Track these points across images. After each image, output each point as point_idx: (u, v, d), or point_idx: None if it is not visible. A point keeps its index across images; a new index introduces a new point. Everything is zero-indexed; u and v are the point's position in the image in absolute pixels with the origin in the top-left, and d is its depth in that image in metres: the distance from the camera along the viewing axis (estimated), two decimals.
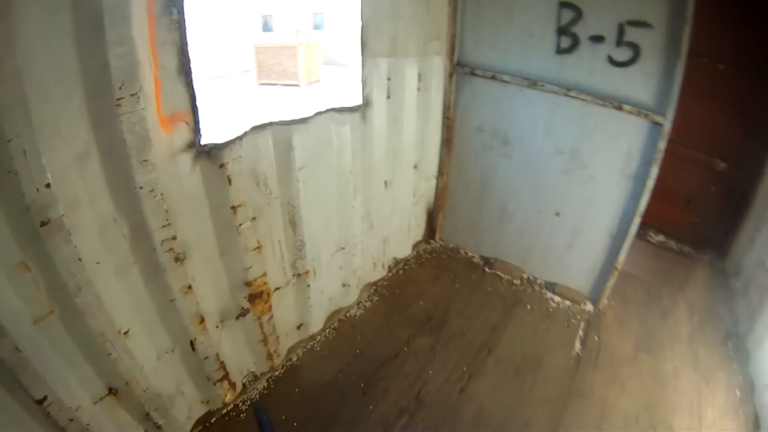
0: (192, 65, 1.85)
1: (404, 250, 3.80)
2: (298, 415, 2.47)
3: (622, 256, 3.17)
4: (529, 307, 3.39)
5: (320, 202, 2.69)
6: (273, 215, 2.43)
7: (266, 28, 18.18)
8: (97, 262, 1.72)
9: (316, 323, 2.98)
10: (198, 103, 1.92)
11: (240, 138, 2.11)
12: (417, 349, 2.94)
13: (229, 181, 2.10)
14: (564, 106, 3.08)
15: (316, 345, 2.95)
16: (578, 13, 2.86)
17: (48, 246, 1.55)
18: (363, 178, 2.98)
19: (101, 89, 1.58)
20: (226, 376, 2.43)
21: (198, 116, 1.93)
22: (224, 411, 2.46)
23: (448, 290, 3.49)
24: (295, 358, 2.84)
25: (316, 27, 18.41)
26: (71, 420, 1.73)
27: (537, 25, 3.01)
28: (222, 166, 2.05)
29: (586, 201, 3.22)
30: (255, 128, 2.20)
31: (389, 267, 3.63)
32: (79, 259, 1.64)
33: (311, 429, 2.42)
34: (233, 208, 2.16)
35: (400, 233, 3.66)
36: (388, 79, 2.95)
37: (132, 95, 1.64)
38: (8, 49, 1.33)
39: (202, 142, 1.97)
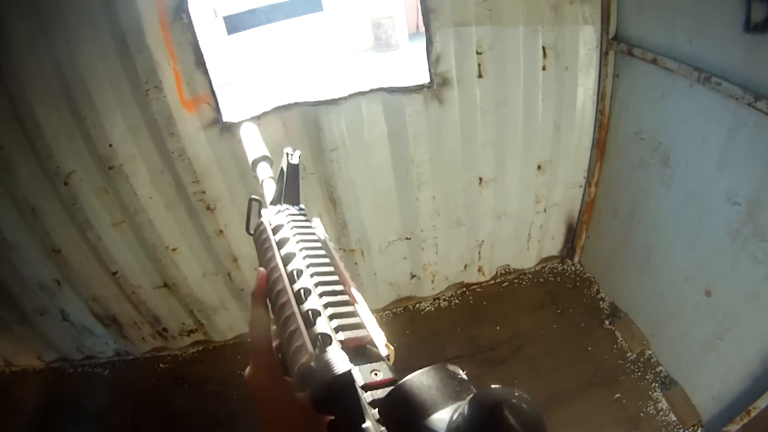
0: (206, 58, 2.29)
1: (524, 262, 3.10)
2: None
3: (764, 401, 1.66)
4: (619, 396, 2.26)
5: (368, 187, 2.65)
6: (309, 189, 2.62)
7: None
8: (150, 197, 2.54)
9: (373, 301, 3.00)
10: (216, 88, 2.36)
11: (258, 117, 2.42)
12: None
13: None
14: (750, 125, 1.72)
15: None
16: None
17: (115, 182, 2.47)
18: (434, 169, 2.63)
19: (136, 83, 2.25)
20: None
21: (217, 98, 2.38)
22: None
23: (541, 326, 2.71)
24: None
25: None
26: (133, 292, 2.76)
27: None
28: (240, 141, 2.45)
29: (753, 292, 1.84)
30: (279, 108, 2.43)
31: (494, 273, 3.08)
32: (135, 194, 2.51)
33: None
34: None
35: (515, 241, 2.99)
36: (479, 53, 2.38)
37: (155, 87, 2.26)
38: (72, 63, 2.16)
39: (224, 120, 2.43)
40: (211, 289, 2.87)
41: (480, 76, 2.44)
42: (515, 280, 3.12)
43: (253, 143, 0.98)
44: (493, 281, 3.12)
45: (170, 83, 2.28)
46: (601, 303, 2.86)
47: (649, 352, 2.51)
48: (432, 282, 3.05)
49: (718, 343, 2.03)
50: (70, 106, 2.27)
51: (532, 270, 3.15)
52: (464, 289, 3.10)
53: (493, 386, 0.30)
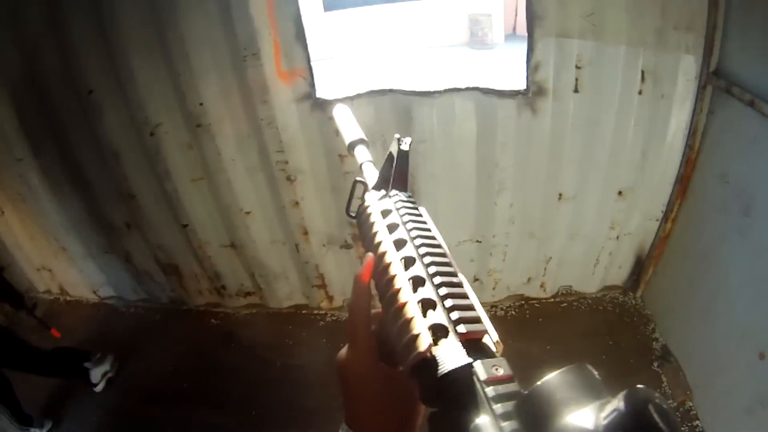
0: (306, 33, 2.28)
1: (586, 286, 3.01)
2: None
3: None
4: None
5: (448, 184, 2.61)
6: None
7: None
8: (233, 159, 2.58)
9: None
10: (313, 63, 2.35)
11: (351, 98, 2.39)
12: None
13: (337, 132, 2.46)
14: None
15: None
16: None
17: (201, 139, 2.51)
18: (517, 177, 2.57)
19: (234, 49, 2.29)
20: (323, 286, 3.01)
21: (313, 73, 2.37)
22: (317, 312, 3.07)
23: (589, 354, 2.62)
24: None
25: None
26: (200, 247, 2.84)
27: None
28: (331, 118, 2.43)
29: None
30: (372, 92, 2.41)
31: (555, 292, 3.02)
32: (219, 154, 2.54)
33: None
34: (340, 156, 2.54)
35: (582, 264, 2.90)
36: (578, 67, 2.28)
37: (253, 54, 2.29)
38: (174, 23, 2.20)
39: (317, 95, 2.41)
40: (276, 256, 2.93)
41: (576, 90, 2.34)
42: (574, 303, 3.04)
43: (349, 125, 0.94)
44: (552, 299, 3.06)
45: (268, 52, 2.31)
46: (654, 343, 2.75)
47: (690, 403, 2.39)
48: (493, 288, 3.01)
49: (759, 410, 1.91)
50: (166, 61, 2.35)
51: (593, 296, 3.06)
52: (523, 302, 3.06)
53: (638, 386, 0.30)
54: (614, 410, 0.29)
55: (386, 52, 9.91)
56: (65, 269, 3.34)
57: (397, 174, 0.71)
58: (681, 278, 2.63)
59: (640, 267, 2.93)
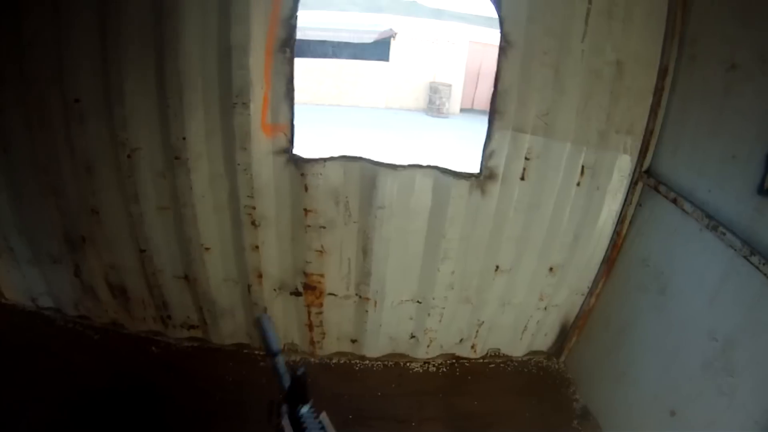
0: (295, 93, 2.53)
1: (513, 350, 3.33)
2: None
3: None
4: None
5: (398, 248, 2.88)
6: (347, 235, 2.84)
7: None
8: (203, 196, 2.70)
9: (372, 349, 3.19)
10: (295, 121, 2.59)
11: (324, 160, 2.64)
12: None
13: (306, 189, 2.70)
14: (741, 274, 2.01)
15: (358, 365, 3.18)
16: None
17: (176, 171, 2.63)
18: (461, 249, 2.88)
19: (227, 94, 2.48)
20: None
21: (294, 131, 2.61)
22: (258, 353, 3.14)
23: (514, 413, 2.91)
24: (335, 361, 3.20)
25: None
26: (153, 274, 2.91)
27: (743, 143, 2.04)
28: (303, 175, 2.66)
29: (713, 419, 2.08)
30: (345, 157, 2.67)
31: (484, 353, 3.30)
32: (191, 188, 2.67)
33: None
34: (305, 210, 2.75)
35: (512, 330, 3.23)
36: (527, 158, 2.67)
37: (243, 103, 2.49)
38: (175, 56, 2.37)
39: (294, 152, 2.64)
40: (227, 294, 3.02)
41: (522, 178, 2.73)
42: (502, 364, 3.33)
43: (272, 336, 1.37)
44: (482, 360, 3.32)
45: (258, 104, 2.52)
46: (574, 404, 3.07)
47: None
48: (428, 346, 3.24)
49: None
50: (159, 90, 2.49)
51: (520, 359, 3.36)
52: (454, 361, 3.30)
53: None
54: None
55: (344, 106, 10.35)
56: (7, 271, 3.20)
57: (299, 392, 1.14)
58: (601, 347, 3.00)
59: (564, 335, 3.30)
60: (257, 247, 2.84)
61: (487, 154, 2.68)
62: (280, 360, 1.39)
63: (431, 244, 2.87)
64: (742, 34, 2.06)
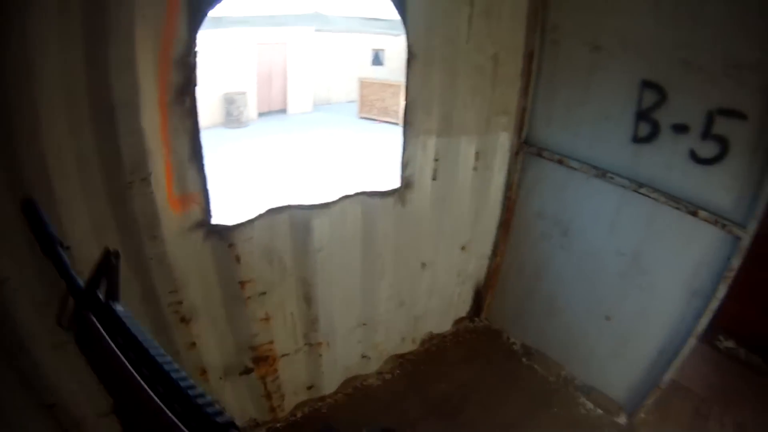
0: (203, 151, 2.07)
1: (442, 326, 3.65)
2: None
3: (667, 376, 2.69)
4: (556, 410, 3.03)
5: (340, 282, 2.77)
6: (286, 290, 2.57)
7: (376, 61, 18.32)
8: None
9: (329, 386, 3.03)
10: (209, 186, 2.14)
11: (252, 221, 2.29)
12: None
13: (238, 259, 2.30)
14: (632, 203, 2.70)
15: (323, 407, 3.00)
16: (662, 96, 2.51)
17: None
18: (394, 260, 2.96)
19: (115, 172, 1.83)
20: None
21: (209, 198, 2.15)
22: None
23: (475, 375, 3.27)
24: (299, 414, 2.92)
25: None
26: (74, 426, 2.10)
27: (615, 107, 2.68)
28: (231, 245, 2.25)
29: (641, 310, 2.78)
30: (271, 211, 2.36)
31: (421, 341, 3.52)
32: None
33: None
34: (241, 283, 2.36)
35: (439, 311, 3.54)
36: (436, 160, 2.90)
37: (142, 180, 1.89)
38: (35, 136, 1.62)
39: (213, 222, 2.20)
40: None
41: (434, 178, 2.95)
42: (439, 344, 3.59)
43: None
44: (422, 348, 3.50)
45: (160, 176, 1.98)
46: (513, 347, 3.58)
47: (565, 372, 3.28)
48: (379, 359, 3.24)
49: (621, 350, 2.91)
50: (14, 194, 1.65)
51: (451, 332, 3.68)
52: (401, 360, 3.38)
53: None
54: None
55: None
56: None
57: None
58: (519, 293, 3.52)
59: (479, 296, 3.75)
60: (193, 344, 2.31)
61: (404, 164, 2.78)
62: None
63: (368, 267, 2.86)
64: (604, 21, 2.63)
